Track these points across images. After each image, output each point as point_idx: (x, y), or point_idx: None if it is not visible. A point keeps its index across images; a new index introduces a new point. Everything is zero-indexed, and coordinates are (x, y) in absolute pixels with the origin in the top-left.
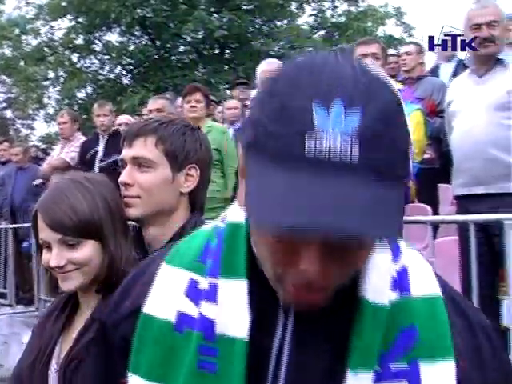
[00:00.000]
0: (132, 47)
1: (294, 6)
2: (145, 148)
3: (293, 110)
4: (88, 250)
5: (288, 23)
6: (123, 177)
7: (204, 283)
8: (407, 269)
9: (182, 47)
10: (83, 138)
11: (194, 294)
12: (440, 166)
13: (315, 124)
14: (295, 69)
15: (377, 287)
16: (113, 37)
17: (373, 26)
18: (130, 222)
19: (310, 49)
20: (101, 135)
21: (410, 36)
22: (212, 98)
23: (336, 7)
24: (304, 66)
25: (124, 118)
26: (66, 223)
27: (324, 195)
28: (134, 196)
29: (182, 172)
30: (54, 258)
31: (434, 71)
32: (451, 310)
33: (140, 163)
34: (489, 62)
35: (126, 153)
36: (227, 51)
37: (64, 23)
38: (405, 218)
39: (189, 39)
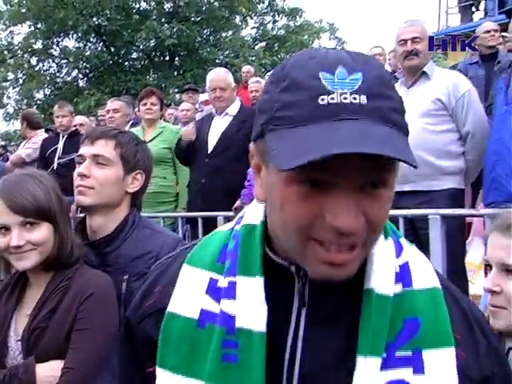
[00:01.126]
0: (88, 52)
1: (238, 19)
2: (105, 148)
3: (303, 82)
4: (44, 231)
5: (232, 34)
6: (82, 169)
7: (223, 282)
8: (409, 263)
9: (134, 54)
10: (44, 136)
11: (214, 292)
12: None
13: (325, 87)
14: (299, 57)
15: (382, 279)
16: (70, 42)
17: (309, 39)
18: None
19: (253, 58)
20: (61, 134)
21: (342, 50)
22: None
23: (276, 21)
24: (306, 54)
25: (79, 119)
26: (27, 207)
27: (348, 132)
28: (89, 186)
29: (130, 175)
30: (14, 238)
31: None
32: (449, 302)
33: (98, 160)
34: (415, 74)
35: (88, 150)
36: (176, 58)
37: (23, 29)
38: None
39: (141, 47)
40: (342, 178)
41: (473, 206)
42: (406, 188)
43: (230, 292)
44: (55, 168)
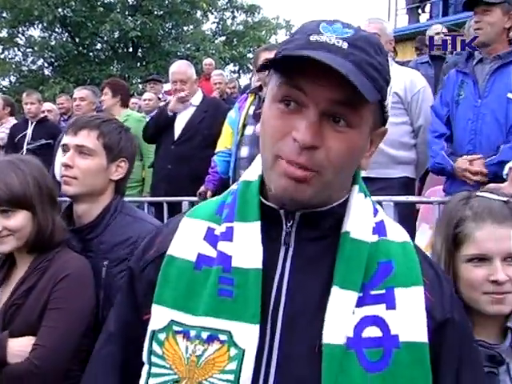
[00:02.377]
0: (53, 42)
1: (199, 14)
2: (88, 139)
3: (306, 27)
4: (20, 218)
5: (194, 28)
6: (65, 159)
7: (220, 230)
8: (384, 222)
9: (99, 45)
10: (15, 121)
11: (212, 238)
12: None
13: (319, 30)
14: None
15: (359, 226)
16: (35, 32)
17: (266, 34)
18: (65, 199)
19: (213, 51)
20: (29, 121)
21: None
22: None
23: (235, 17)
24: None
25: (47, 105)
26: (1, 196)
27: (322, 54)
28: (72, 176)
29: (114, 163)
30: None
31: None
32: (419, 255)
33: (81, 150)
34: None
35: (71, 140)
36: (140, 50)
37: None
38: None
39: (105, 38)
40: (311, 98)
41: (419, 194)
42: (362, 175)
43: (228, 235)
44: (24, 154)
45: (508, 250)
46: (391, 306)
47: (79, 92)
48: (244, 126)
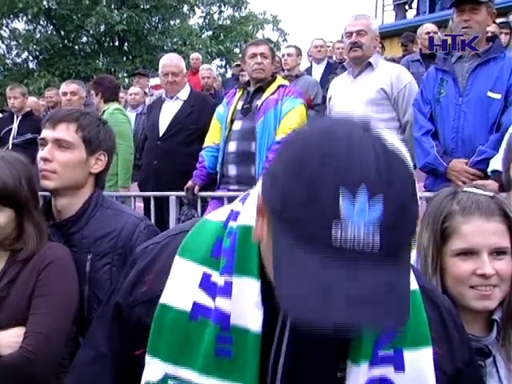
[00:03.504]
0: (38, 35)
1: (186, 8)
2: (67, 132)
3: (320, 198)
4: (4, 217)
5: (180, 23)
6: (44, 153)
7: (217, 278)
8: None
9: (84, 38)
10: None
11: (208, 286)
12: None
13: (342, 214)
14: (320, 149)
15: None
16: (20, 25)
17: (253, 29)
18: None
19: (200, 46)
20: (15, 115)
21: (284, 40)
22: None
23: (222, 11)
24: (329, 149)
25: (31, 101)
26: None
27: (351, 289)
28: (51, 170)
29: (93, 156)
30: None
31: (308, 70)
32: (426, 302)
33: (60, 144)
34: (360, 65)
35: (49, 134)
36: (126, 44)
37: None
38: None
39: (91, 31)
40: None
41: None
42: None
43: (226, 290)
44: (10, 148)
45: (495, 244)
46: (400, 368)
47: (70, 86)
48: (232, 120)
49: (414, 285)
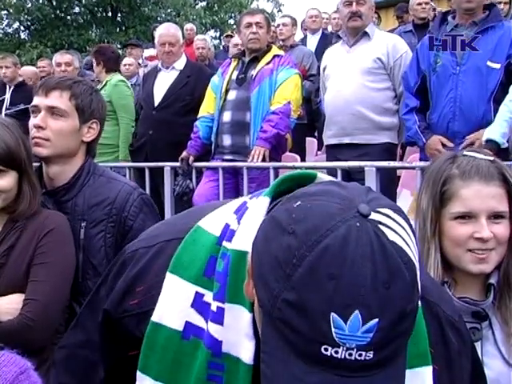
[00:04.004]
0: (30, 5)
1: None
2: (60, 100)
3: (312, 313)
4: (10, 179)
5: None
6: (37, 121)
7: (209, 297)
8: None
9: (77, 8)
10: None
11: (200, 305)
12: (308, 122)
13: (333, 336)
14: (316, 260)
15: None
16: None
17: (247, 0)
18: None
19: (194, 17)
20: (7, 85)
21: (279, 11)
22: None
23: None
24: (325, 263)
25: (29, 71)
26: None
27: None
28: (45, 138)
29: (86, 124)
30: None
31: (303, 41)
32: (427, 315)
33: (54, 112)
34: (357, 35)
35: (42, 101)
36: (119, 15)
37: None
38: (280, 164)
39: (83, 1)
40: None
41: (401, 160)
42: (346, 140)
43: (218, 317)
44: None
45: (493, 209)
46: None
47: (64, 56)
48: (227, 90)
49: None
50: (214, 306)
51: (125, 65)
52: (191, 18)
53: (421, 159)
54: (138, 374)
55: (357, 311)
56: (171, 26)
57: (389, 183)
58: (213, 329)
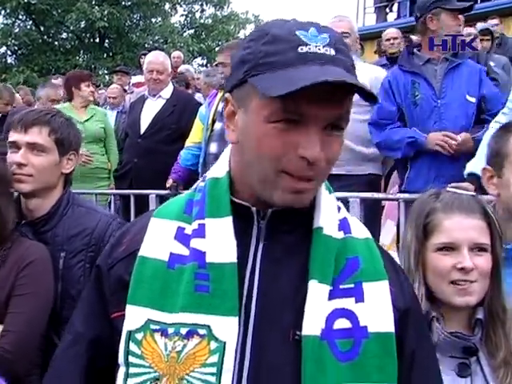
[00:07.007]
0: (17, 30)
1: (167, 6)
2: (40, 136)
3: (283, 36)
4: None
5: (162, 20)
6: (19, 158)
7: (191, 227)
8: (347, 218)
9: (64, 34)
10: None
11: (183, 237)
12: None
13: (303, 40)
14: (275, 21)
15: (329, 223)
16: None
17: (235, 29)
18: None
19: (181, 44)
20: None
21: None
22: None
23: (204, 10)
24: (280, 19)
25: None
26: None
27: (330, 70)
28: (27, 174)
29: (65, 157)
30: None
31: None
32: (380, 249)
33: (34, 148)
34: None
35: (21, 138)
36: (107, 41)
37: None
38: None
39: (71, 27)
40: (314, 117)
41: (384, 191)
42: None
43: (200, 232)
44: None
45: (475, 240)
46: (360, 299)
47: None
48: (213, 121)
49: (367, 234)
50: (196, 224)
51: (109, 97)
52: (179, 45)
53: (403, 190)
54: (128, 307)
55: (312, 27)
56: (160, 55)
57: (373, 214)
58: (196, 243)
